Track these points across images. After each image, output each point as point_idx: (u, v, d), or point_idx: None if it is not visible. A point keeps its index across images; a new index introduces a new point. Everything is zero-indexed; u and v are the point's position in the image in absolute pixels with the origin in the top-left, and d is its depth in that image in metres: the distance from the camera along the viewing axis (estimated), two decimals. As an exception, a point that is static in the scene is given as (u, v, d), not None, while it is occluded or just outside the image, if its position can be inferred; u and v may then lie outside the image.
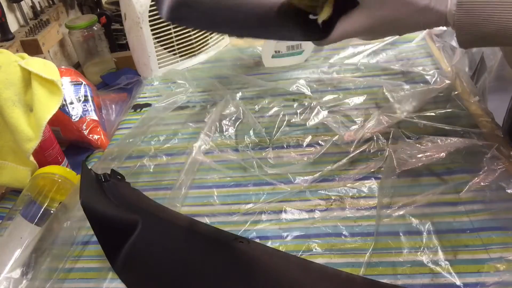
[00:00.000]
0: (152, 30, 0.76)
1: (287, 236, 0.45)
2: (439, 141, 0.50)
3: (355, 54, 0.74)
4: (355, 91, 0.65)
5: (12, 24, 0.79)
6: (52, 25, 0.83)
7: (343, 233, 0.45)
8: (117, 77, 0.82)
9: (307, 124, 0.60)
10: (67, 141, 0.67)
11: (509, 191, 0.44)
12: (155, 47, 0.79)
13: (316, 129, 0.59)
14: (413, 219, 0.44)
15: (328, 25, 0.45)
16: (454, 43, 0.69)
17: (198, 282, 0.42)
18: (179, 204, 0.51)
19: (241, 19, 0.52)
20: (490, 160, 0.47)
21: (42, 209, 0.50)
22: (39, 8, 0.85)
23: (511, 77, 0.84)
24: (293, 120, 0.62)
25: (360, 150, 0.53)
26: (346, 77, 0.69)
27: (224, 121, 0.63)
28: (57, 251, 0.46)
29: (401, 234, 0.43)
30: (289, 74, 0.73)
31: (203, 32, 0.82)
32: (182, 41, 0.80)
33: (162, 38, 0.78)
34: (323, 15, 0.46)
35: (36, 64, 0.54)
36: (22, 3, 0.80)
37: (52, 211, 0.50)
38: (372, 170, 0.50)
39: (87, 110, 0.67)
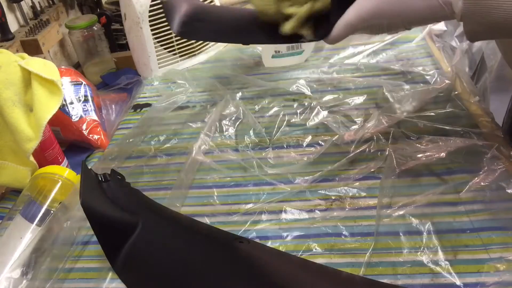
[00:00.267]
0: (152, 30, 0.76)
1: (287, 236, 0.45)
2: (439, 141, 0.50)
3: (355, 54, 0.74)
4: (355, 91, 0.65)
5: (12, 24, 0.79)
6: (52, 25, 0.83)
7: (343, 233, 0.45)
8: (117, 77, 0.82)
9: (307, 124, 0.60)
10: (67, 141, 0.67)
11: (509, 191, 0.44)
12: (155, 47, 0.79)
13: (316, 129, 0.59)
14: (413, 219, 0.44)
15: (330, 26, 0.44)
16: (454, 43, 0.69)
17: (198, 282, 0.42)
18: (179, 204, 0.51)
19: (244, 28, 0.53)
20: (490, 160, 0.47)
21: (42, 209, 0.50)
22: (39, 8, 0.85)
23: (511, 77, 0.84)
24: (293, 120, 0.61)
25: (360, 150, 0.53)
26: (346, 77, 0.69)
27: (224, 121, 0.63)
28: (57, 251, 0.46)
29: (401, 234, 0.43)
30: (289, 74, 0.73)
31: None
32: (182, 41, 0.80)
33: (162, 38, 0.79)
34: (287, 27, 0.46)
35: (36, 64, 0.54)
36: (22, 3, 0.80)
37: (52, 211, 0.50)
38: (372, 170, 0.50)
39: (87, 110, 0.67)
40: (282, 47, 0.74)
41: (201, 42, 0.83)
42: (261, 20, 0.51)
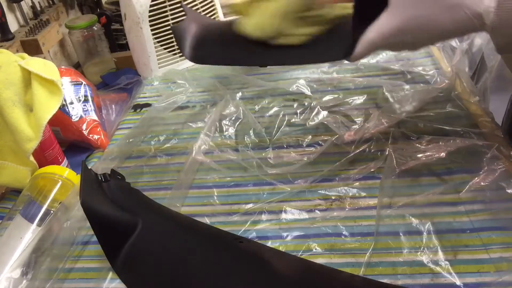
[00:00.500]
0: (152, 30, 0.76)
1: (287, 236, 0.45)
2: (439, 141, 0.50)
3: (355, 54, 0.74)
4: (355, 91, 0.65)
5: (12, 24, 0.79)
6: (52, 25, 0.83)
7: (343, 233, 0.45)
8: (117, 77, 0.82)
9: (307, 124, 0.60)
10: (67, 141, 0.67)
11: (509, 191, 0.44)
12: (155, 47, 0.79)
13: (316, 129, 0.59)
14: (413, 219, 0.44)
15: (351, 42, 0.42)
16: (454, 43, 0.69)
17: (198, 282, 0.42)
18: (179, 204, 0.51)
19: (259, 47, 0.51)
20: (490, 160, 0.47)
21: (42, 209, 0.50)
22: (39, 8, 0.85)
23: (511, 77, 0.84)
24: (293, 120, 0.61)
25: (360, 150, 0.53)
26: (346, 77, 0.69)
27: (224, 121, 0.63)
28: (57, 251, 0.46)
29: (401, 234, 0.43)
30: (289, 74, 0.73)
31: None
32: (182, 41, 0.80)
33: (162, 38, 0.79)
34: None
35: (36, 64, 0.54)
36: (22, 3, 0.80)
37: (52, 211, 0.50)
38: (372, 170, 0.50)
39: (87, 110, 0.67)
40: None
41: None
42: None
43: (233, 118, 0.63)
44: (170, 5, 0.76)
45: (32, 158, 0.55)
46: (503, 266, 0.39)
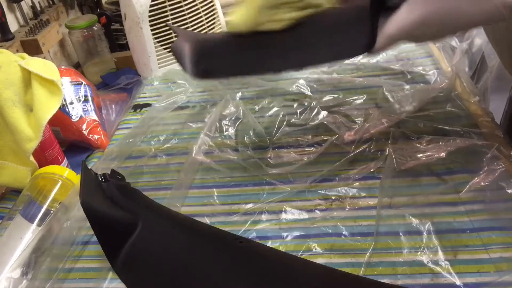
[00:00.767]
0: (152, 30, 0.76)
1: (287, 236, 0.45)
2: (439, 141, 0.50)
3: (355, 54, 0.74)
4: (355, 91, 0.65)
5: (12, 24, 0.79)
6: (52, 25, 0.83)
7: (343, 233, 0.45)
8: (117, 77, 0.82)
9: (307, 124, 0.60)
10: (67, 141, 0.67)
11: (509, 191, 0.44)
12: (155, 47, 0.79)
13: (316, 129, 0.59)
14: (413, 219, 0.44)
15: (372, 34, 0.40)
16: (454, 43, 0.69)
17: (198, 282, 0.42)
18: (179, 204, 0.51)
19: (271, 50, 0.47)
20: (490, 160, 0.47)
21: (42, 209, 0.50)
22: (39, 8, 0.85)
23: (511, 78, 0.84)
24: (293, 120, 0.61)
25: (360, 150, 0.53)
26: (346, 77, 0.69)
27: (224, 121, 0.63)
28: (57, 251, 0.46)
29: (401, 234, 0.43)
30: (289, 74, 0.73)
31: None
32: (182, 41, 0.80)
33: (162, 38, 0.78)
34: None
35: (36, 64, 0.54)
36: (22, 3, 0.80)
37: (52, 211, 0.50)
38: (372, 170, 0.50)
39: (87, 110, 0.67)
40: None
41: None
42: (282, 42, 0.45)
43: (233, 118, 0.63)
44: (170, 5, 0.76)
45: (32, 158, 0.55)
46: (503, 266, 0.39)
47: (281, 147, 0.57)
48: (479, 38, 0.96)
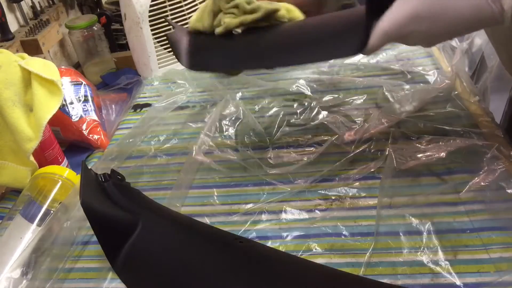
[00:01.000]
0: (152, 30, 0.76)
1: (287, 236, 0.45)
2: (439, 141, 0.50)
3: (355, 54, 0.74)
4: (355, 91, 0.65)
5: (12, 24, 0.79)
6: (52, 25, 0.83)
7: (343, 233, 0.45)
8: (117, 77, 0.82)
9: (307, 124, 0.60)
10: (67, 141, 0.67)
11: (509, 191, 0.44)
12: (155, 47, 0.79)
13: (316, 129, 0.59)
14: (413, 219, 0.44)
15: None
16: (454, 43, 0.69)
17: (198, 282, 0.42)
18: (179, 204, 0.51)
19: (264, 47, 0.48)
20: (490, 160, 0.47)
21: (42, 209, 0.50)
22: (39, 8, 0.85)
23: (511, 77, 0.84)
24: (293, 120, 0.61)
25: (360, 150, 0.53)
26: (346, 77, 0.69)
27: (224, 121, 0.63)
28: (57, 251, 0.46)
29: (401, 234, 0.43)
30: (289, 74, 0.73)
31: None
32: (182, 41, 0.80)
33: (162, 38, 0.78)
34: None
35: (36, 64, 0.54)
36: (22, 3, 0.80)
37: (52, 211, 0.50)
38: (372, 170, 0.50)
39: (87, 110, 0.67)
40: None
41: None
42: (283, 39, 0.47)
43: (233, 118, 0.63)
44: (170, 5, 0.76)
45: (32, 158, 0.55)
46: (503, 266, 0.39)
47: (281, 147, 0.57)
48: (479, 38, 0.96)
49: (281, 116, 0.62)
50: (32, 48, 0.76)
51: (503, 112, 0.72)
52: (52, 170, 0.53)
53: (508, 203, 0.43)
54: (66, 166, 0.62)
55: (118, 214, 0.47)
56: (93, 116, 0.67)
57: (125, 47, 0.92)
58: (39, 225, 0.48)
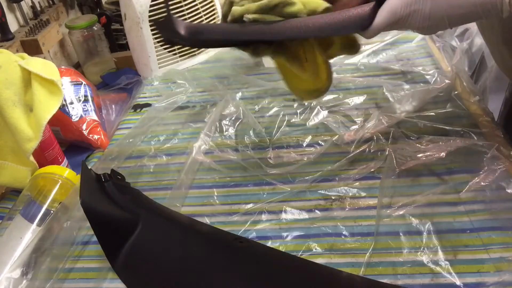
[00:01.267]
0: (152, 30, 0.76)
1: (287, 236, 0.45)
2: (439, 141, 0.50)
3: (355, 54, 0.74)
4: (355, 91, 0.65)
5: (12, 24, 0.79)
6: (52, 25, 0.83)
7: (343, 233, 0.45)
8: (117, 77, 0.82)
9: (307, 124, 0.60)
10: (67, 141, 0.67)
11: (509, 191, 0.44)
12: (155, 47, 0.79)
13: (316, 129, 0.59)
14: (413, 219, 0.44)
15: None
16: (454, 42, 0.69)
17: (198, 282, 0.42)
18: (179, 204, 0.51)
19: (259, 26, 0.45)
20: (490, 160, 0.47)
21: (42, 209, 0.50)
22: (39, 8, 0.85)
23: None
24: (293, 120, 0.61)
25: (360, 150, 0.53)
26: (346, 77, 0.69)
27: (224, 121, 0.63)
28: (57, 251, 0.46)
29: (401, 234, 0.43)
30: (289, 74, 0.73)
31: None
32: (182, 41, 0.80)
33: (162, 38, 0.78)
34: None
35: (36, 64, 0.54)
36: (22, 3, 0.80)
37: (52, 211, 0.50)
38: (372, 170, 0.50)
39: (87, 110, 0.67)
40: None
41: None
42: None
43: (233, 118, 0.63)
44: (170, 5, 0.76)
45: (32, 158, 0.55)
46: (503, 266, 0.39)
47: (281, 147, 0.57)
48: (479, 38, 0.96)
49: (281, 116, 0.62)
50: (32, 48, 0.76)
51: (499, 112, 0.72)
52: (52, 170, 0.53)
53: (508, 203, 0.43)
54: (66, 166, 0.62)
55: (118, 214, 0.47)
56: (93, 116, 0.67)
57: (125, 47, 0.92)
58: (39, 225, 0.48)
